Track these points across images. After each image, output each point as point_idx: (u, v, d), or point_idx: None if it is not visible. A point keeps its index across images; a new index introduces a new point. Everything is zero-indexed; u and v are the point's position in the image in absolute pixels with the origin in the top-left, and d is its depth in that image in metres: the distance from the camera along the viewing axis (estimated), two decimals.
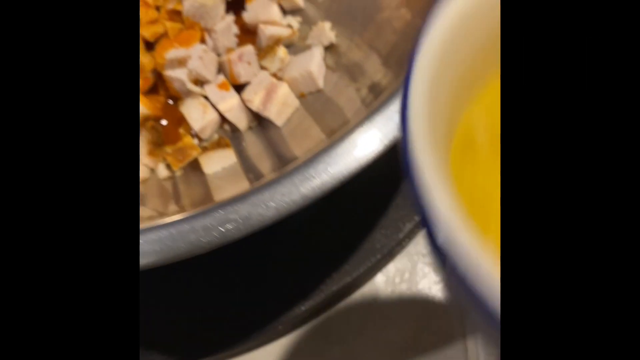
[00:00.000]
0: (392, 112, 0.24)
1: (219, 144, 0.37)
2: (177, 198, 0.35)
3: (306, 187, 0.22)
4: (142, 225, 0.23)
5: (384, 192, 0.35)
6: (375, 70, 0.34)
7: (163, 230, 0.22)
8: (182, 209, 0.33)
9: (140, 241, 0.22)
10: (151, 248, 0.22)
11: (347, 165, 0.23)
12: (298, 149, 0.37)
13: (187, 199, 0.35)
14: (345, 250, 0.36)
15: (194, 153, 0.37)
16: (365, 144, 0.24)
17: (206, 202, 0.33)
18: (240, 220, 0.22)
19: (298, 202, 0.22)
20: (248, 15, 0.42)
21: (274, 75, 0.40)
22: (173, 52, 0.38)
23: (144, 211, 0.34)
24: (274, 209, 0.22)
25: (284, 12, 0.44)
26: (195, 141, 0.38)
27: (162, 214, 0.33)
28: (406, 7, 0.34)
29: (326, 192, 0.22)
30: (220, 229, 0.22)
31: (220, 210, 0.23)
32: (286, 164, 0.35)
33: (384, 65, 0.34)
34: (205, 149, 0.37)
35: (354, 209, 0.34)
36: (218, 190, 0.35)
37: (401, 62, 0.32)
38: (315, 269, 0.36)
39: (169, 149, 0.38)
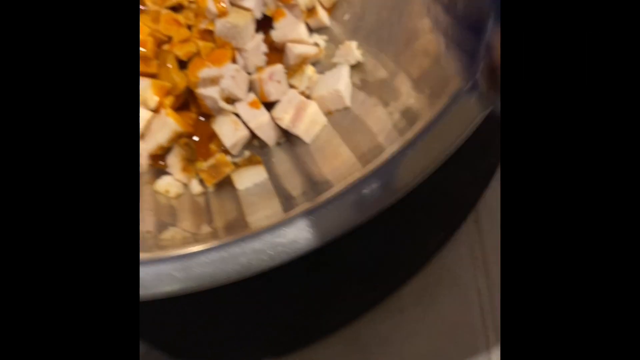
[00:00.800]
0: (429, 143, 0.26)
1: (250, 161, 0.39)
2: (209, 217, 0.36)
3: (351, 213, 0.24)
4: (190, 249, 0.24)
5: (412, 210, 0.36)
6: (406, 94, 0.35)
7: (214, 253, 0.24)
8: (214, 230, 0.34)
9: (192, 264, 0.23)
10: (203, 271, 0.23)
11: (388, 193, 0.24)
12: (326, 166, 0.38)
13: (219, 217, 0.36)
14: (374, 264, 0.37)
15: (228, 170, 0.38)
16: (404, 176, 0.25)
17: (239, 220, 0.35)
18: (288, 244, 0.23)
19: (343, 226, 0.23)
20: (276, 34, 0.43)
21: (303, 93, 0.41)
22: (206, 71, 0.39)
23: (176, 232, 0.34)
24: (319, 233, 0.23)
25: (310, 30, 0.45)
26: (228, 157, 0.39)
27: (195, 235, 0.34)
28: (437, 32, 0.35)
29: (370, 217, 0.24)
30: (270, 252, 0.23)
31: (268, 234, 0.24)
32: (315, 182, 0.36)
33: (415, 89, 0.35)
34: (237, 166, 0.38)
35: (384, 226, 0.35)
36: (250, 207, 0.36)
37: (434, 87, 0.33)
38: (343, 282, 0.37)
39: (202, 165, 0.39)
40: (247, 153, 0.40)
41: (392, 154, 0.26)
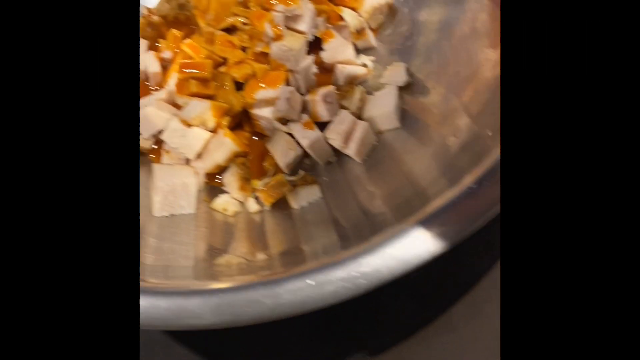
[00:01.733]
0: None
1: (305, 180, 0.40)
2: (264, 243, 0.37)
3: (431, 244, 0.25)
4: (274, 275, 0.25)
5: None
6: (460, 121, 0.36)
7: (298, 281, 0.25)
8: (270, 257, 0.35)
9: (280, 291, 0.25)
10: (292, 298, 0.24)
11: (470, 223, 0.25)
12: (377, 186, 0.39)
13: (274, 243, 0.37)
14: (426, 282, 0.38)
15: (285, 190, 0.39)
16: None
17: (295, 248, 0.35)
18: (372, 273, 0.25)
19: (424, 257, 0.25)
20: (326, 55, 0.45)
21: (353, 113, 0.42)
22: (262, 93, 0.41)
23: (231, 258, 0.35)
24: (402, 262, 0.24)
25: (357, 50, 0.46)
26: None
27: (250, 262, 0.35)
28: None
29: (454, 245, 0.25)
30: (356, 281, 0.24)
31: (351, 262, 0.25)
32: (367, 211, 0.37)
33: (467, 113, 0.36)
34: (294, 185, 0.40)
35: None
36: (305, 232, 0.37)
37: (485, 113, 0.34)
38: (394, 299, 0.38)
39: (258, 184, 0.40)
40: (301, 172, 0.41)
41: (469, 184, 0.27)
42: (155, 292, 0.25)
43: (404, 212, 0.31)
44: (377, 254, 0.25)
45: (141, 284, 0.26)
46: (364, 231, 0.33)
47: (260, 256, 0.35)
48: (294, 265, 0.32)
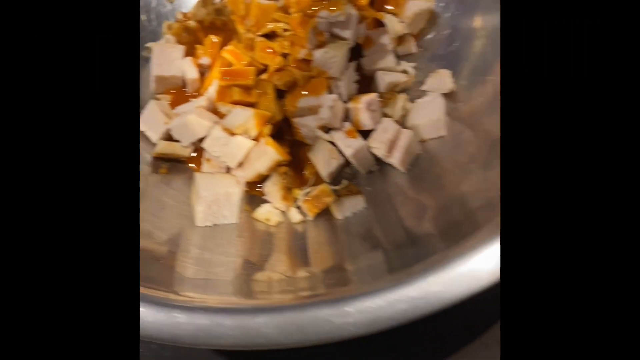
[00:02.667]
0: None
1: (349, 191, 0.39)
2: (305, 259, 0.36)
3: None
4: (342, 292, 0.25)
5: None
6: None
7: (368, 300, 0.24)
8: (311, 275, 0.34)
9: (350, 310, 0.24)
10: (364, 317, 0.23)
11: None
12: (424, 195, 0.39)
13: (316, 260, 0.36)
14: None
15: (329, 200, 0.38)
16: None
17: (338, 266, 0.34)
18: (443, 292, 0.24)
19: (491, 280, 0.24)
20: (366, 62, 0.44)
21: (397, 121, 0.41)
22: (305, 101, 0.40)
23: (272, 275, 0.34)
24: (471, 285, 0.24)
25: (398, 57, 0.45)
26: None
27: (290, 279, 0.34)
28: None
29: None
30: (427, 300, 0.23)
31: (423, 282, 0.24)
32: (412, 233, 0.36)
33: None
34: (338, 196, 0.39)
35: None
36: (347, 247, 0.36)
37: None
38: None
39: (301, 194, 0.39)
40: (345, 182, 0.40)
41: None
42: (219, 310, 0.24)
43: (454, 237, 0.30)
44: (447, 272, 0.24)
45: (200, 302, 0.25)
46: (408, 255, 0.32)
47: (302, 273, 0.34)
48: (337, 286, 0.31)
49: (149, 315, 0.24)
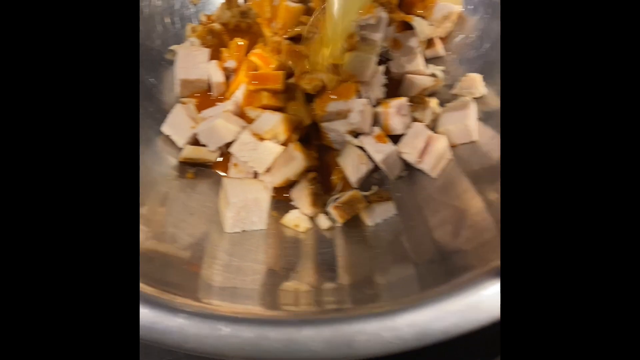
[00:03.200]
0: None
1: (380, 197, 0.38)
2: (333, 265, 0.35)
3: None
4: (387, 307, 0.24)
5: None
6: None
7: (416, 313, 0.23)
8: (339, 287, 0.33)
9: (400, 323, 0.23)
10: (411, 331, 0.23)
11: None
12: (455, 202, 0.38)
13: (345, 272, 0.35)
14: None
15: (361, 207, 0.38)
16: None
17: (367, 279, 0.33)
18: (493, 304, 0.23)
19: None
20: (394, 65, 0.43)
21: (427, 126, 0.40)
22: (334, 105, 0.39)
23: (299, 285, 0.33)
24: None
25: (426, 60, 0.45)
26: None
27: (317, 290, 0.33)
28: None
29: None
30: (468, 315, 0.23)
31: (471, 294, 0.23)
32: (444, 251, 0.35)
33: None
34: (369, 202, 0.38)
35: None
36: (377, 252, 0.36)
37: None
38: None
39: (331, 200, 0.39)
40: (374, 188, 0.39)
41: None
42: (263, 322, 0.24)
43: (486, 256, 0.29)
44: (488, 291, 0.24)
45: (244, 313, 0.25)
46: (439, 271, 0.32)
47: (329, 285, 0.34)
48: (366, 302, 0.30)
49: (191, 327, 0.23)
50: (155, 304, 0.24)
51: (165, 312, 0.24)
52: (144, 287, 0.26)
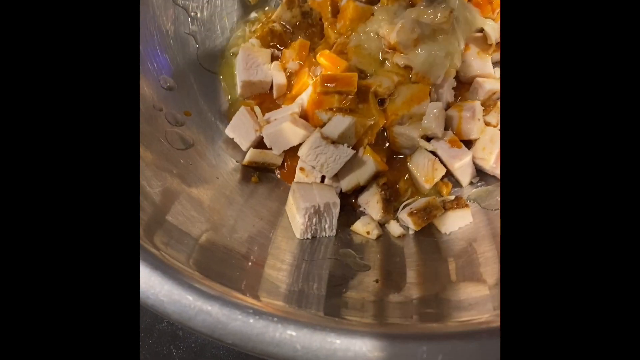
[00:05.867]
0: None
1: (458, 204, 0.37)
2: (403, 275, 0.34)
3: None
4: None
5: None
6: None
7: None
8: (406, 300, 0.31)
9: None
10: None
11: None
12: None
13: (414, 286, 0.33)
14: None
15: (438, 213, 0.36)
16: None
17: (438, 294, 0.32)
18: None
19: None
20: (463, 68, 0.42)
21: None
22: (407, 108, 0.38)
23: (365, 295, 0.32)
24: None
25: (493, 63, 0.43)
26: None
27: (382, 301, 0.31)
28: None
29: None
30: None
31: None
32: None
33: None
34: (445, 209, 0.37)
35: None
36: (450, 265, 0.34)
37: None
38: None
39: (401, 205, 0.37)
40: (451, 195, 0.38)
41: None
42: (377, 335, 0.22)
43: None
44: None
45: (359, 324, 0.23)
46: None
47: (395, 298, 0.32)
48: (432, 320, 0.28)
49: (305, 340, 0.22)
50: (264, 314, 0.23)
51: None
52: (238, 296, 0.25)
